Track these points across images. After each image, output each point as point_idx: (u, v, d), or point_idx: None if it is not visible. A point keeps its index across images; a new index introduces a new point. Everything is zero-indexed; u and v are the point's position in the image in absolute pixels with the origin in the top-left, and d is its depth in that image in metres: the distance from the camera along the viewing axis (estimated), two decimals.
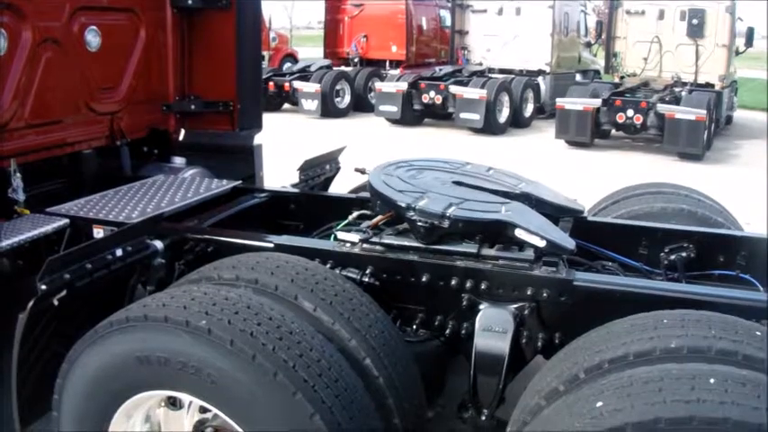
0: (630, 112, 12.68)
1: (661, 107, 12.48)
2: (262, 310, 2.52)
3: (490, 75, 16.00)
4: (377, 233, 3.17)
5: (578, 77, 17.29)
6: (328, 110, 16.19)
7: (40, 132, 4.30)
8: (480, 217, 3.03)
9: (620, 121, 12.83)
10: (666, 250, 3.64)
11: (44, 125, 4.34)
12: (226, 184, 4.56)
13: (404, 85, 14.92)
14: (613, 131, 13.79)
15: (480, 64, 16.93)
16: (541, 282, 2.88)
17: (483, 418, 2.93)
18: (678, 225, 3.80)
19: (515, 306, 2.91)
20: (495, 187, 3.50)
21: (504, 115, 14.82)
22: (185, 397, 2.62)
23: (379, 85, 15.56)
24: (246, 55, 5.51)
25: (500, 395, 2.89)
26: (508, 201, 3.27)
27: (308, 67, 17.63)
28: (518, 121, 15.30)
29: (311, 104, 16.10)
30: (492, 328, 2.90)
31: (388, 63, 18.60)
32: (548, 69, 16.34)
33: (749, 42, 16.54)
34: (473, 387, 2.92)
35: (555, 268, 2.91)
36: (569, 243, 3.04)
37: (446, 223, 2.99)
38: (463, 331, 3.01)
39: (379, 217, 3.27)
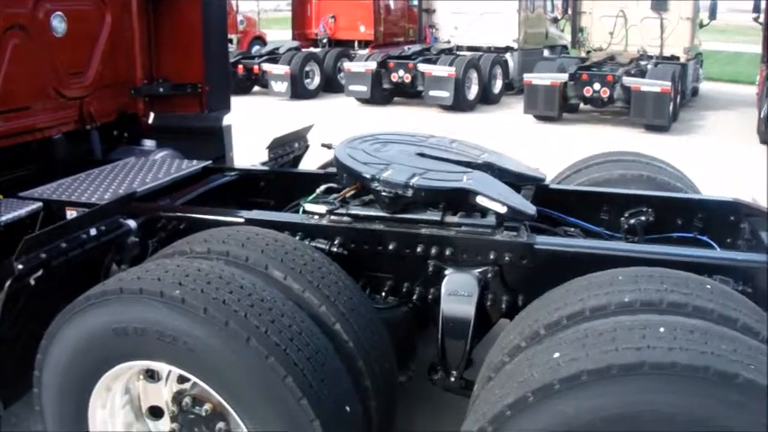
0: (597, 86, 12.83)
1: (627, 80, 12.64)
2: (233, 279, 2.61)
3: (458, 52, 16.07)
4: (343, 205, 3.25)
5: (546, 53, 17.42)
6: (298, 91, 16.18)
7: (9, 119, 4.32)
8: (442, 186, 3.13)
9: (588, 94, 12.98)
10: (626, 215, 3.76)
11: (13, 111, 4.37)
12: (196, 165, 4.63)
13: (372, 65, 14.96)
14: (582, 105, 13.91)
15: (448, 42, 17.00)
16: (503, 246, 3.00)
17: (452, 379, 3.04)
18: (637, 190, 3.91)
19: (479, 270, 3.02)
20: (458, 158, 3.60)
21: (472, 92, 14.91)
22: (163, 367, 2.71)
23: (347, 65, 15.58)
24: (213, 37, 5.57)
25: (467, 357, 3.01)
26: (470, 170, 3.37)
27: (277, 49, 17.59)
28: (487, 98, 15.40)
29: (281, 86, 16.09)
30: (457, 293, 3.01)
31: (356, 43, 18.60)
32: (515, 46, 16.44)
33: (713, 15, 16.79)
34: (441, 350, 3.04)
35: (516, 233, 3.02)
36: (530, 208, 3.15)
37: (410, 192, 3.09)
38: (430, 297, 3.12)
39: (346, 189, 3.36)
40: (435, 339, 3.05)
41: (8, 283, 2.94)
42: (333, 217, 3.26)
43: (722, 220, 3.70)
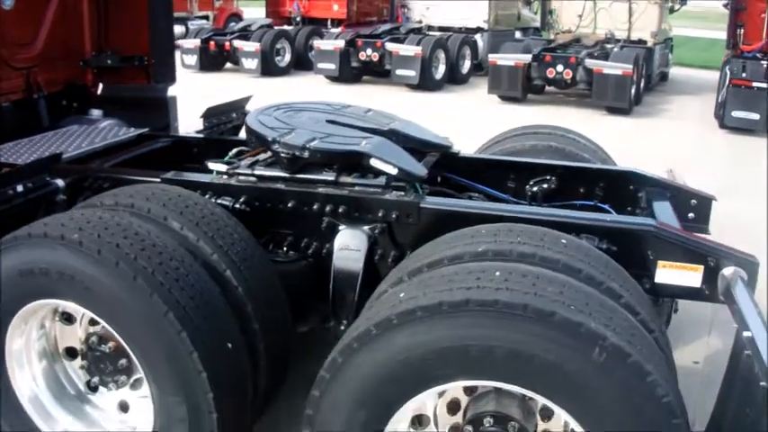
0: (560, 68, 13.04)
1: (589, 62, 12.86)
2: (130, 227, 2.86)
3: (428, 33, 16.24)
4: (244, 164, 3.50)
5: (518, 35, 17.58)
6: (269, 68, 16.34)
7: None
8: (337, 148, 3.38)
9: (551, 76, 13.19)
10: (531, 183, 4.01)
11: None
12: (132, 132, 4.86)
13: (341, 43, 15.13)
14: (548, 87, 14.11)
15: (420, 22, 17.17)
16: (391, 205, 3.25)
17: (342, 328, 3.29)
18: (542, 160, 4.15)
19: (369, 227, 3.26)
20: (367, 125, 3.83)
21: (440, 72, 15.10)
22: (74, 309, 2.94)
23: (317, 43, 15.74)
24: (159, 11, 5.79)
25: (356, 307, 3.25)
26: (371, 136, 3.61)
27: (249, 26, 17.71)
28: (455, 78, 15.59)
29: (251, 63, 16.25)
30: (348, 248, 3.26)
31: (329, 22, 18.74)
32: (485, 27, 16.62)
33: (683, 1, 16.97)
34: (333, 301, 3.29)
35: (404, 192, 3.27)
36: (421, 171, 3.41)
37: (306, 154, 3.34)
38: (324, 251, 3.37)
39: (251, 151, 3.60)
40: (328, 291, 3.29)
41: None
42: (241, 177, 3.50)
43: (622, 189, 3.95)
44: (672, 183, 3.97)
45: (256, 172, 3.48)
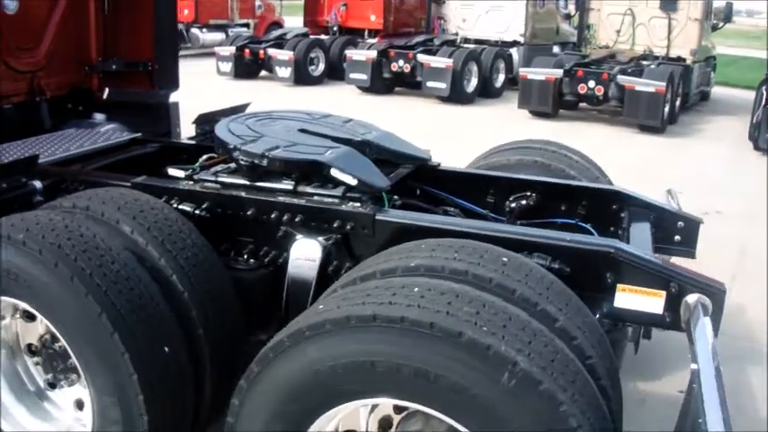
0: (592, 83, 12.87)
1: (621, 78, 12.66)
2: (77, 229, 2.88)
3: (462, 45, 16.19)
4: (204, 171, 3.52)
5: (556, 50, 17.42)
6: (302, 77, 16.45)
7: None
8: (296, 157, 3.36)
9: (582, 91, 13.02)
10: (511, 198, 3.94)
11: None
12: (125, 137, 4.91)
13: (373, 54, 15.17)
14: (582, 104, 13.93)
15: (456, 34, 17.12)
16: (347, 216, 3.22)
17: None
18: (523, 175, 4.06)
19: (324, 237, 3.24)
20: (340, 135, 3.81)
21: (472, 85, 15.03)
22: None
23: (349, 53, 15.80)
24: (163, 17, 5.85)
25: None
26: (338, 146, 3.58)
27: (285, 35, 17.88)
28: (488, 92, 15.50)
29: (285, 72, 16.38)
30: (303, 257, 3.23)
31: (366, 32, 18.78)
32: (522, 40, 16.50)
33: (727, 18, 16.64)
34: (286, 310, 3.27)
35: (360, 204, 3.24)
36: (382, 182, 3.38)
37: (265, 162, 3.33)
38: (281, 260, 3.35)
39: (213, 158, 3.61)
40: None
41: None
42: (206, 184, 3.50)
43: (605, 208, 3.85)
44: (657, 204, 3.85)
45: (219, 179, 3.47)
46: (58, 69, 5.42)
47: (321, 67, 17.30)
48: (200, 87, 14.76)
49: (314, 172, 3.37)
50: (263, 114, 4.04)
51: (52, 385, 3.23)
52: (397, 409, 2.47)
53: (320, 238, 3.23)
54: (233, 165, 3.52)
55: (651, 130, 12.69)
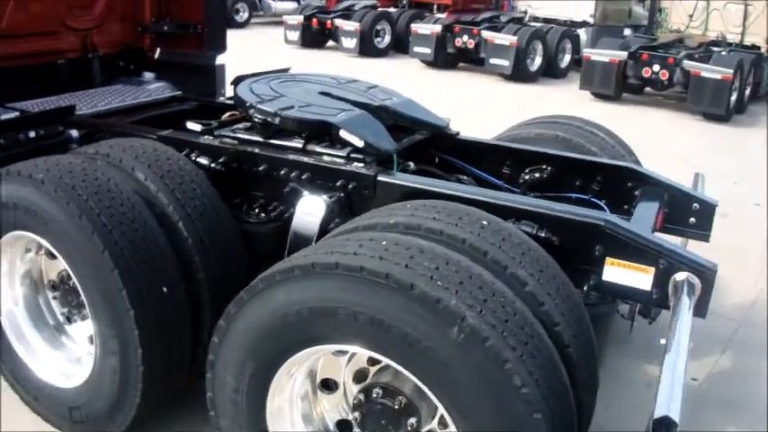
0: (656, 67, 12.57)
1: (687, 64, 12.32)
2: (92, 172, 3.08)
3: (529, 23, 16.01)
4: (221, 127, 3.68)
5: (627, 32, 17.05)
6: (367, 49, 16.57)
7: (18, 42, 4.91)
8: (307, 117, 3.48)
9: (647, 75, 12.73)
10: (526, 171, 3.98)
11: (21, 36, 4.95)
12: (165, 94, 5.12)
13: (438, 28, 15.15)
14: (647, 89, 13.63)
15: (525, 12, 16.94)
16: (350, 175, 3.33)
17: None
18: (539, 148, 4.06)
19: (328, 195, 3.35)
20: (359, 99, 3.90)
21: (536, 64, 14.86)
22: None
23: (415, 26, 15.81)
24: None
25: None
26: (353, 109, 3.69)
27: (353, 6, 17.97)
28: (553, 72, 15.31)
29: (350, 43, 16.53)
30: (307, 212, 3.36)
31: (435, 6, 18.74)
32: (591, 21, 16.22)
33: None
34: None
35: (363, 165, 3.35)
36: (389, 146, 3.48)
37: (277, 120, 3.46)
38: (287, 215, 3.49)
39: (229, 114, 3.77)
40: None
41: None
42: (225, 139, 3.66)
43: (619, 185, 3.83)
44: (673, 184, 3.79)
45: (236, 135, 3.63)
46: (111, 28, 5.67)
47: (387, 39, 17.37)
48: (266, 55, 15.08)
49: (324, 132, 3.49)
50: (287, 76, 4.18)
51: (68, 320, 3.45)
52: (372, 362, 2.59)
53: (324, 196, 3.34)
54: (231, 116, 3.68)
55: (715, 119, 12.34)
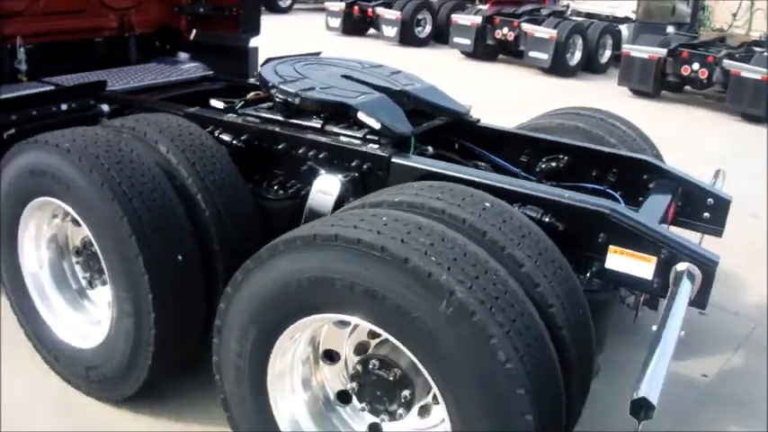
0: (696, 66, 12.43)
1: (727, 63, 12.16)
2: (116, 144, 3.22)
3: (570, 17, 15.91)
4: (244, 105, 3.82)
5: (670, 30, 16.85)
6: (407, 38, 16.61)
7: (56, 20, 5.11)
8: (327, 98, 3.59)
9: (686, 73, 12.59)
10: (543, 159, 4.04)
11: (60, 14, 5.14)
12: (197, 73, 5.29)
13: (478, 19, 15.13)
14: (687, 87, 13.47)
15: (567, 6, 16.83)
16: (365, 156, 3.43)
17: None
18: (558, 138, 4.11)
19: (343, 175, 3.45)
20: (381, 83, 3.99)
21: (575, 58, 14.75)
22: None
23: (455, 16, 15.79)
24: None
25: None
26: (373, 92, 3.78)
27: None
28: (592, 67, 15.18)
29: (391, 31, 16.58)
30: (322, 191, 3.47)
31: None
32: (633, 17, 16.07)
33: None
34: None
35: (378, 146, 3.44)
36: (405, 128, 3.57)
37: (297, 100, 3.57)
38: (303, 192, 3.59)
39: (253, 93, 3.88)
40: None
41: None
42: (248, 118, 3.79)
43: (634, 177, 3.87)
44: (688, 178, 3.81)
45: (258, 114, 3.74)
46: (148, 9, 5.83)
47: (428, 29, 17.39)
48: (306, 41, 15.20)
49: (343, 114, 3.59)
50: (313, 59, 4.29)
51: (90, 284, 3.61)
52: (372, 335, 2.69)
53: (340, 175, 3.45)
54: (254, 96, 3.83)
55: (754, 120, 12.16)
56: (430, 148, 3.78)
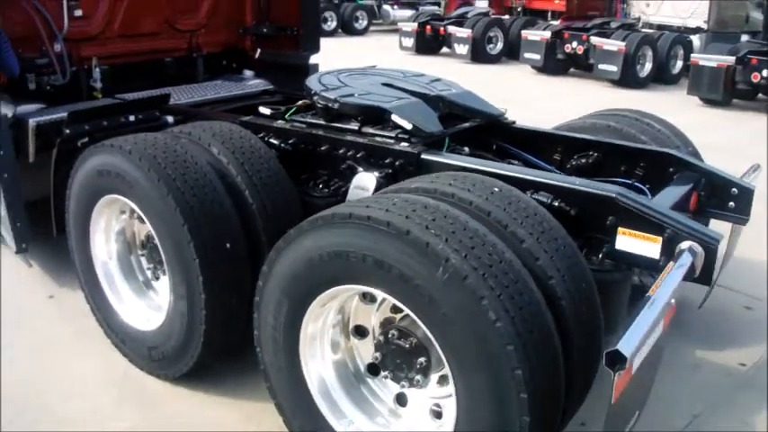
0: (765, 72, 12.25)
1: None
2: (173, 146, 3.63)
3: (641, 29, 15.87)
4: (287, 112, 4.22)
5: (744, 38, 16.57)
6: (479, 55, 16.91)
7: (126, 42, 5.64)
8: (363, 103, 3.93)
9: (756, 80, 12.39)
10: (575, 157, 4.26)
11: (132, 36, 5.68)
12: (258, 88, 5.74)
13: (548, 34, 15.29)
14: (760, 95, 13.26)
15: (638, 19, 16.78)
16: (398, 154, 3.74)
17: None
18: (588, 135, 4.32)
19: (379, 172, 3.76)
20: (418, 89, 4.30)
21: (645, 70, 14.71)
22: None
23: (525, 32, 16.00)
24: None
25: None
26: (409, 97, 4.09)
27: (466, 13, 18.37)
28: (663, 78, 15.08)
29: (462, 49, 16.91)
30: (360, 187, 3.78)
31: (549, 14, 18.84)
32: (705, 27, 15.91)
33: None
34: None
35: (408, 144, 3.74)
36: (434, 128, 3.86)
37: (336, 105, 3.93)
38: (344, 189, 3.92)
39: (301, 102, 4.25)
40: None
41: (57, 141, 4.18)
42: (295, 124, 4.17)
43: (661, 170, 4.02)
44: (711, 169, 3.94)
45: (304, 120, 4.11)
46: (215, 30, 6.33)
47: (499, 46, 17.65)
48: (379, 60, 15.61)
49: (378, 116, 3.91)
50: (358, 70, 4.63)
51: (154, 274, 4.02)
52: (395, 310, 2.97)
53: (375, 173, 3.75)
54: (299, 103, 4.20)
55: None
56: (466, 148, 4.04)
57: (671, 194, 3.58)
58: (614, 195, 3.19)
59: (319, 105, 3.99)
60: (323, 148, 3.99)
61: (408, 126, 3.79)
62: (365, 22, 23.18)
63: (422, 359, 2.85)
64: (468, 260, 2.47)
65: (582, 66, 15.56)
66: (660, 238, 3.09)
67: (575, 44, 15.12)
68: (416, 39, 17.81)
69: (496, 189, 2.99)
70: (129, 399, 3.78)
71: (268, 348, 3.13)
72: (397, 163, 3.72)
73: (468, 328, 2.46)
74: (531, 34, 15.74)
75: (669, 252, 3.07)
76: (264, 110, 4.27)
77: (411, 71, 4.82)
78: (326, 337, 3.09)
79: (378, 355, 2.99)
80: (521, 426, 2.44)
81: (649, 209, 3.15)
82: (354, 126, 3.93)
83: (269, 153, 3.86)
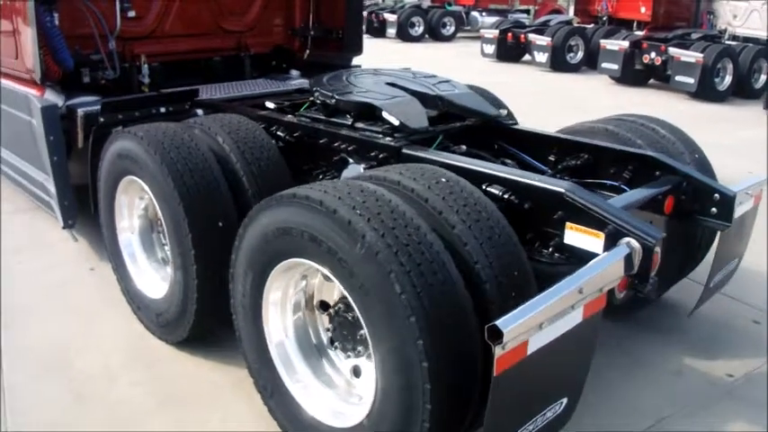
0: None
1: None
2: (179, 134, 4.09)
3: (724, 41, 15.50)
4: (292, 106, 4.59)
5: None
6: (558, 63, 16.89)
7: (175, 42, 6.18)
8: (356, 99, 4.28)
9: None
10: (567, 158, 4.45)
11: (182, 36, 6.20)
12: (294, 86, 6.14)
13: (626, 44, 15.11)
14: None
15: (724, 30, 16.40)
16: (382, 147, 4.06)
17: None
18: (581, 138, 4.49)
19: (366, 164, 4.10)
20: (418, 89, 4.58)
21: (725, 83, 14.36)
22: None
23: (603, 41, 15.85)
24: None
25: None
26: (404, 95, 4.41)
27: (549, 21, 18.39)
28: (745, 91, 14.63)
29: (542, 57, 16.95)
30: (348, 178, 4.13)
31: (635, 24, 18.60)
32: None
33: None
34: None
35: (392, 139, 4.07)
36: (417, 125, 4.15)
37: (333, 101, 4.30)
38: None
39: (305, 98, 4.64)
40: None
41: (93, 128, 4.71)
42: (302, 118, 4.56)
43: (648, 173, 4.13)
44: (694, 175, 4.02)
45: (308, 114, 4.51)
46: (263, 31, 6.80)
47: (579, 55, 17.57)
48: (458, 67, 15.86)
49: (370, 113, 4.25)
50: (368, 70, 4.98)
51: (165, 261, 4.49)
52: None
53: (363, 165, 4.09)
54: (304, 99, 4.57)
55: None
56: (463, 146, 4.30)
57: (632, 195, 3.73)
58: (563, 191, 3.38)
59: (319, 101, 4.37)
60: (322, 141, 4.36)
61: (396, 122, 4.11)
62: (452, 29, 23.43)
63: (362, 331, 3.13)
64: (385, 238, 2.75)
65: (660, 77, 15.30)
66: (603, 234, 3.25)
67: (653, 54, 14.91)
68: (498, 46, 17.97)
69: (443, 180, 3.24)
70: (137, 359, 4.27)
71: (239, 315, 3.52)
72: (381, 156, 4.05)
73: (380, 300, 2.73)
74: (610, 44, 15.61)
75: (611, 248, 3.21)
76: (270, 104, 4.67)
77: (422, 72, 5.12)
78: (288, 306, 3.44)
79: (329, 326, 3.33)
80: (423, 392, 2.67)
81: (594, 205, 3.32)
82: (348, 121, 4.28)
83: (270, 144, 4.26)
